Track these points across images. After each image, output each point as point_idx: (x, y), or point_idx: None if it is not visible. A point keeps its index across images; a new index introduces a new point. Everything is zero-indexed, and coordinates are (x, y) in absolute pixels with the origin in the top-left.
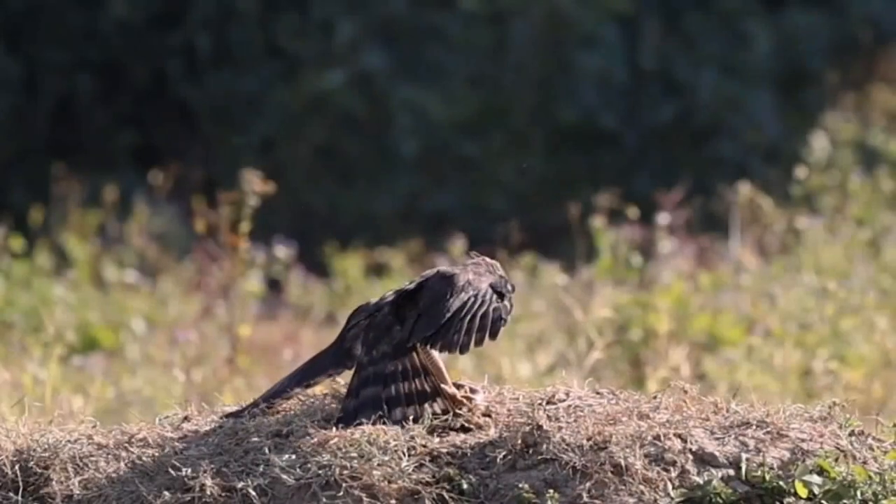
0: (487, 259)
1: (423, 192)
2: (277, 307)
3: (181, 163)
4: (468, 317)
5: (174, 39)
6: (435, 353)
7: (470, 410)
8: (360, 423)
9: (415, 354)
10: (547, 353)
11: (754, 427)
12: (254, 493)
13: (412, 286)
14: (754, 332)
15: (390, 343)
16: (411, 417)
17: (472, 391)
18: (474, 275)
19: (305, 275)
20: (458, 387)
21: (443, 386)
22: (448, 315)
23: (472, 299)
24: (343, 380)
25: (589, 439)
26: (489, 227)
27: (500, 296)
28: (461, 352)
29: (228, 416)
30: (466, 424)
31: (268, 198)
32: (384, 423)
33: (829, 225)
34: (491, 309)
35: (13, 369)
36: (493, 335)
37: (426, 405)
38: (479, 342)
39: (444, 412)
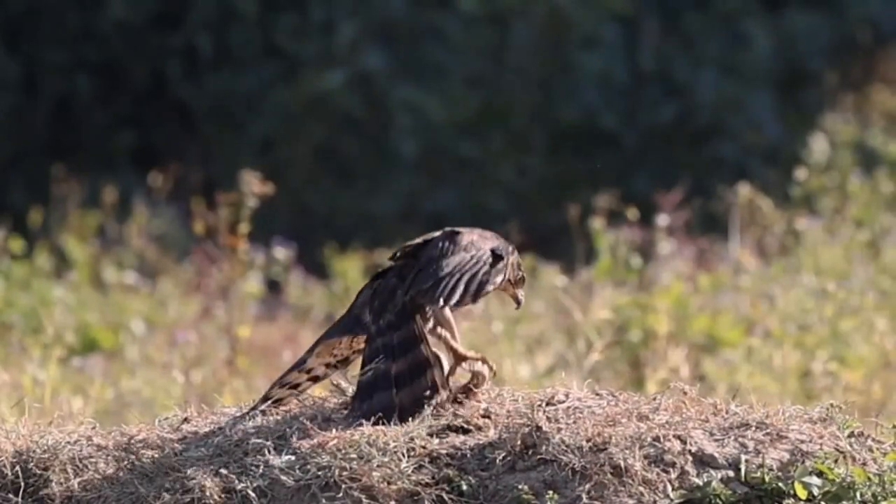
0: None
1: (423, 193)
2: (277, 308)
3: (180, 164)
4: (458, 275)
5: (174, 40)
6: (447, 311)
7: (477, 385)
8: (373, 403)
9: (418, 320)
10: (546, 354)
11: (754, 428)
12: (253, 494)
13: (418, 241)
14: (754, 334)
15: (394, 310)
16: (422, 393)
17: (481, 361)
18: (479, 237)
19: (305, 276)
20: (463, 358)
21: (452, 343)
22: (445, 271)
23: (470, 259)
24: (345, 381)
25: (588, 440)
26: (489, 228)
27: (499, 258)
28: (441, 306)
29: (241, 414)
30: (466, 426)
31: (267, 199)
32: (396, 400)
33: (829, 226)
34: (481, 272)
35: (13, 370)
36: (475, 299)
37: (428, 374)
38: (459, 302)
39: (444, 387)
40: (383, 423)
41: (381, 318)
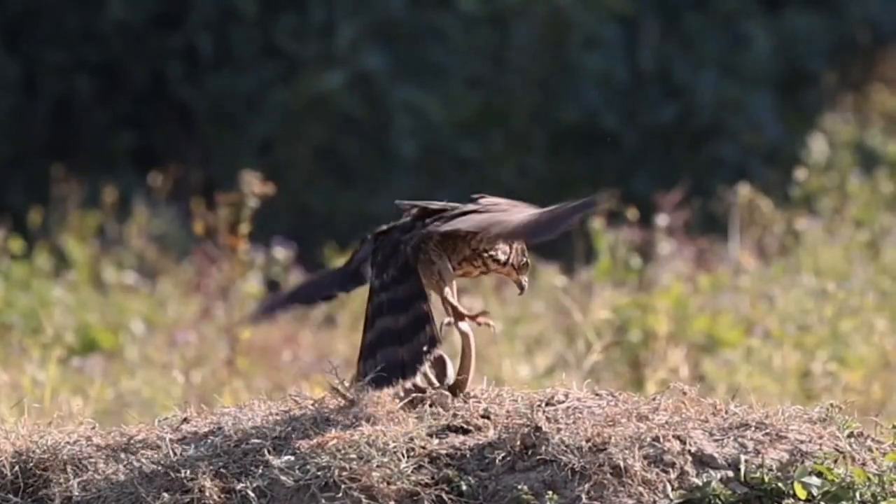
0: None
1: (423, 193)
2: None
3: (180, 164)
4: (483, 213)
5: (174, 40)
6: (449, 268)
7: (465, 357)
8: (377, 359)
9: (419, 276)
10: (546, 354)
11: (753, 428)
12: (252, 494)
13: (437, 205)
14: (753, 334)
15: (396, 265)
16: (421, 347)
17: (479, 318)
18: (508, 204)
19: (305, 276)
20: (462, 317)
21: (451, 300)
22: (466, 216)
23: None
24: (342, 385)
25: (588, 441)
26: None
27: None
28: (443, 230)
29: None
30: (465, 426)
31: (267, 199)
32: (400, 355)
33: (828, 226)
34: (518, 216)
35: (12, 371)
36: (488, 233)
37: (427, 329)
38: (471, 229)
39: (440, 342)
40: (388, 381)
41: (385, 272)
